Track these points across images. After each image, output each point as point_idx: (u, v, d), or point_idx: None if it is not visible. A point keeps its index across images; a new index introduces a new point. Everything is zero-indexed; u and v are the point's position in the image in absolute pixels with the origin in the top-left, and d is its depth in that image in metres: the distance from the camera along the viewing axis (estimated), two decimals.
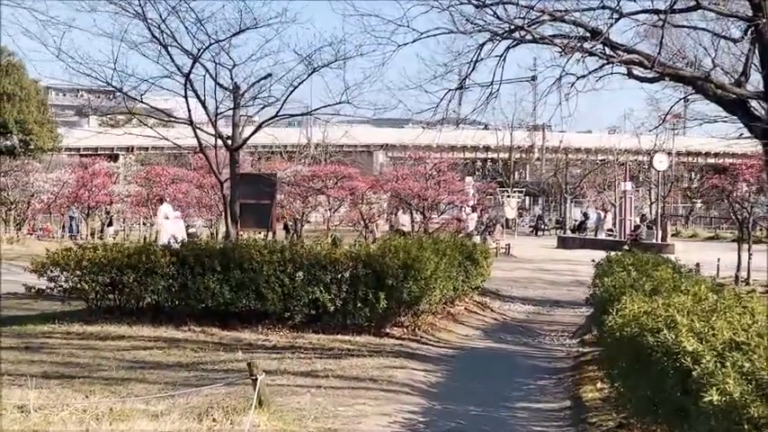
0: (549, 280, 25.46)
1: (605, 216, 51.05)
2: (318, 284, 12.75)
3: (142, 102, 15.74)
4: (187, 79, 15.22)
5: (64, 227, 43.83)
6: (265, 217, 17.75)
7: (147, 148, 65.79)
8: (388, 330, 13.17)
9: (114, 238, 38.39)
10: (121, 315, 13.24)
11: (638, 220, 46.86)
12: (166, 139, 17.00)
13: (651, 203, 63.07)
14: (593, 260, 14.39)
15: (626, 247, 39.18)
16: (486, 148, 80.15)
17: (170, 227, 25.55)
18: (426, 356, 11.88)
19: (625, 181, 46.04)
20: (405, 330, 13.33)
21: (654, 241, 40.52)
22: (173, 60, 15.23)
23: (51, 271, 13.47)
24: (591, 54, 17.94)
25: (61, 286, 13.47)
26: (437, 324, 14.35)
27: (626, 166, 49.93)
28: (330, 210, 38.85)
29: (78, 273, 13.14)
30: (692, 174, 74.59)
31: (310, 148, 73.12)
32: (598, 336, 9.09)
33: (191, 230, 39.96)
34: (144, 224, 39.47)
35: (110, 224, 43.17)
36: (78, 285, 13.18)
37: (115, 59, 14.50)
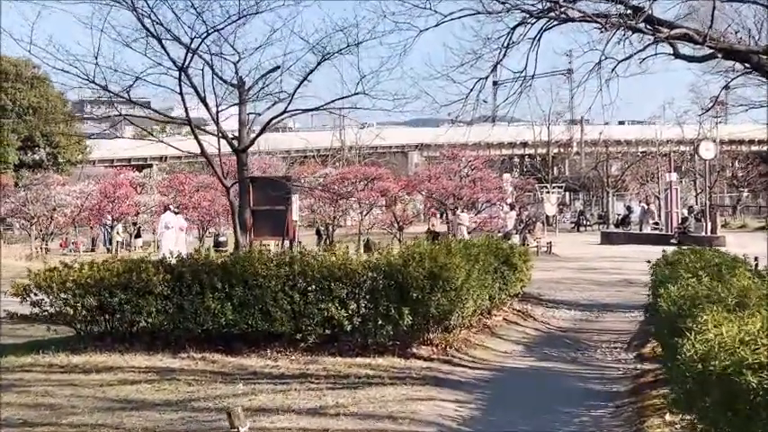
0: (594, 280, 23.68)
1: (649, 208, 49.06)
2: (333, 300, 11.12)
3: (131, 101, 14.13)
4: (182, 72, 13.59)
5: (94, 240, 42.83)
6: (281, 224, 16.15)
7: (179, 157, 64.77)
8: (414, 350, 11.48)
9: (144, 249, 37.22)
10: (113, 342, 11.68)
11: (685, 212, 44.69)
12: (162, 142, 15.50)
13: (697, 194, 61.05)
14: (649, 261, 12.61)
15: (674, 241, 37.60)
16: (524, 144, 78.54)
17: (172, 237, 24.47)
18: (458, 382, 10.17)
19: (670, 172, 43.98)
20: (434, 349, 11.62)
21: (703, 234, 38.59)
22: (168, 55, 13.68)
23: (35, 294, 11.95)
24: (635, 30, 16.17)
25: (46, 311, 11.94)
26: (471, 340, 12.63)
27: (670, 157, 47.82)
28: (361, 213, 37.30)
29: (63, 296, 11.61)
30: (737, 162, 72.14)
31: (344, 151, 72.22)
32: (668, 361, 7.31)
33: (221, 239, 38.74)
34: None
35: (137, 235, 42.01)
36: (63, 310, 11.64)
37: (96, 53, 12.97)
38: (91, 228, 42.94)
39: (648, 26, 16.39)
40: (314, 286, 11.20)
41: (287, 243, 16.61)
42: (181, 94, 13.82)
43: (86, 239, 42.94)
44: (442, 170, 38.32)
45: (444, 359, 11.29)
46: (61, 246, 40.20)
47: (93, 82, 13.14)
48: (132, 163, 63.85)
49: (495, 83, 24.30)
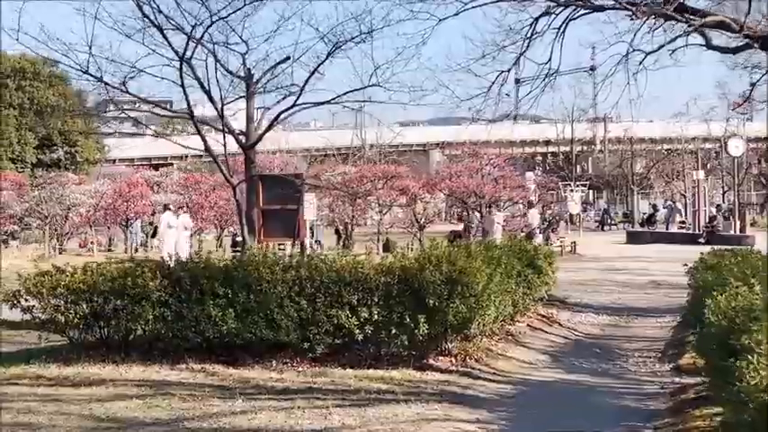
0: (621, 281, 22.69)
1: (675, 206, 48.02)
2: (343, 307, 10.28)
3: (127, 92, 13.23)
4: (182, 62, 12.66)
5: (111, 240, 42.17)
6: (292, 225, 15.30)
7: (200, 156, 64.02)
8: (431, 361, 10.60)
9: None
10: (108, 351, 10.87)
11: (713, 210, 43.56)
12: (161, 137, 14.68)
13: (723, 192, 59.93)
14: (685, 264, 11.67)
15: (701, 241, 36.64)
16: (547, 142, 77.66)
17: (174, 237, 24.13)
18: (479, 398, 9.27)
19: (697, 169, 42.91)
20: (452, 360, 10.73)
21: (731, 233, 37.61)
22: (170, 45, 12.81)
23: (26, 299, 11.17)
24: (667, 18, 15.24)
25: (38, 317, 11.15)
26: (493, 349, 11.71)
27: (698, 154, 46.77)
28: (380, 212, 36.44)
29: (53, 302, 10.81)
30: (764, 160, 70.82)
31: (365, 150, 71.77)
32: (716, 380, 6.39)
33: (238, 239, 37.92)
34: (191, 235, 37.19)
35: (154, 235, 41.26)
36: (54, 317, 10.84)
37: (90, 42, 12.12)
38: (108, 227, 42.29)
39: (681, 14, 15.46)
40: (322, 292, 10.37)
41: (299, 244, 15.78)
42: (182, 86, 12.96)
43: (107, 239, 42.26)
44: (463, 168, 37.33)
45: (463, 371, 10.41)
46: (80, 245, 39.56)
47: (87, 72, 12.35)
48: (153, 162, 63.50)
49: (517, 80, 23.45)
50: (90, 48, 12.09)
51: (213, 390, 9.38)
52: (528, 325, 14.05)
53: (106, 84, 12.66)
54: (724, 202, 57.55)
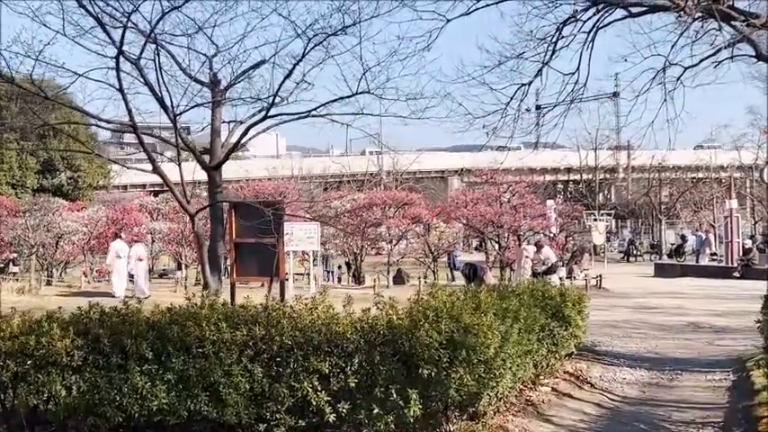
0: (656, 323, 20.16)
1: (707, 237, 45.46)
2: (310, 377, 7.74)
3: (46, 98, 10.81)
4: (120, 54, 10.25)
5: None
6: (270, 261, 12.81)
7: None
8: None
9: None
10: (8, 430, 8.41)
11: (748, 242, 40.88)
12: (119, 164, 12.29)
13: (755, 222, 57.37)
14: (758, 321, 9.09)
15: (736, 275, 34.10)
16: (568, 170, 75.65)
17: (125, 268, 23.32)
18: None
19: (730, 198, 40.46)
20: None
21: (767, 266, 34.98)
22: (112, 41, 10.40)
23: None
24: (724, 16, 12.73)
25: None
26: (509, 427, 9.09)
27: (731, 182, 44.28)
28: (391, 242, 34.08)
29: None
30: None
31: (381, 176, 70.38)
32: None
33: None
34: (184, 266, 34.76)
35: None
36: None
37: None
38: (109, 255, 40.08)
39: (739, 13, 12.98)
40: (284, 357, 7.84)
41: (275, 285, 13.27)
42: (120, 89, 10.51)
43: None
44: (481, 195, 34.96)
45: None
46: (84, 275, 37.41)
47: None
48: (165, 188, 61.47)
49: (538, 107, 21.33)
50: None
51: None
52: (553, 389, 11.39)
53: (18, 86, 10.29)
54: (755, 232, 55.09)
